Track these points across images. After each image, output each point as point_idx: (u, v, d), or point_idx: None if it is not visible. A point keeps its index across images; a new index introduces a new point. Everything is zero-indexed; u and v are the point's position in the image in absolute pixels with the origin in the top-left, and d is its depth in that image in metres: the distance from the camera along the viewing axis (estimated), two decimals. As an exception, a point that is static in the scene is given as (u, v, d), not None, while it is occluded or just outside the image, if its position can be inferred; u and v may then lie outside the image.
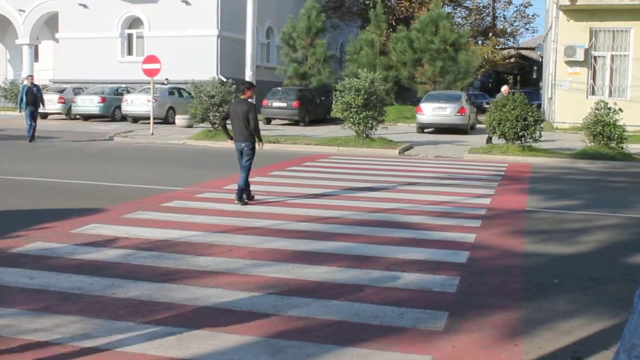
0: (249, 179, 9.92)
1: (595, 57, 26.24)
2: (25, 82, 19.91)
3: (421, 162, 16.26)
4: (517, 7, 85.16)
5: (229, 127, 10.14)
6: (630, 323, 2.82)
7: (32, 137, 18.94)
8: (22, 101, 19.23)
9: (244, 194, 9.71)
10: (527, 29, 59.04)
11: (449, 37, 32.01)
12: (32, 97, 19.16)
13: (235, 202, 9.60)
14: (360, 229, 8.00)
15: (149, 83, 23.67)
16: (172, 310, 5.03)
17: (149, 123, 23.04)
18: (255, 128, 9.76)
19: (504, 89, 20.65)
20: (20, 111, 19.67)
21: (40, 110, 20.15)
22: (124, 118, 28.79)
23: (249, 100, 9.98)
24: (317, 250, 6.92)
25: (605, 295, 5.69)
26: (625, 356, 2.72)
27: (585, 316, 5.13)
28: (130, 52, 35.40)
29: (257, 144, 9.89)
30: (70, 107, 29.97)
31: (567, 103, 26.13)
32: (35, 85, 19.70)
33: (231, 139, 10.11)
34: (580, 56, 25.64)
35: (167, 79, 29.33)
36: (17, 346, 4.29)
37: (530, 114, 16.91)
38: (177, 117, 26.93)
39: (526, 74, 57.26)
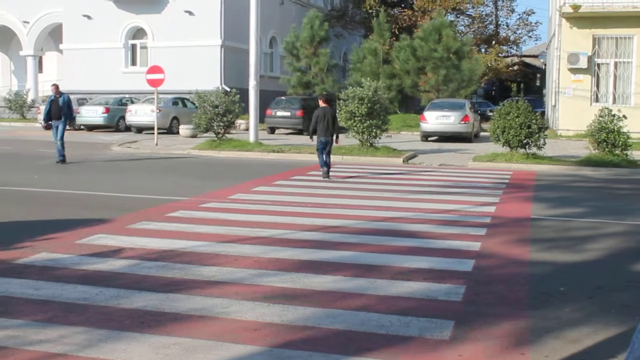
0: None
1: (598, 64, 26.26)
2: (51, 93, 16.97)
3: (425, 170, 16.26)
4: (520, 15, 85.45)
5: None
6: (638, 331, 2.80)
7: (62, 158, 16.32)
8: (46, 114, 16.71)
9: (329, 171, 13.81)
10: (530, 37, 58.93)
11: (452, 45, 32.08)
12: (56, 110, 16.49)
13: (324, 178, 13.60)
14: (365, 238, 8.00)
15: (153, 93, 23.74)
16: (178, 320, 5.02)
17: (153, 133, 23.08)
18: (337, 127, 13.90)
19: None
20: (44, 125, 16.91)
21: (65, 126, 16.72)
22: (128, 128, 28.89)
23: (332, 106, 14.30)
24: (322, 259, 6.91)
25: (612, 303, 5.67)
26: (634, 364, 2.70)
27: (592, 324, 5.11)
28: (134, 63, 35.57)
29: (334, 139, 13.96)
30: (74, 117, 30.03)
31: (570, 110, 26.12)
32: (62, 95, 16.73)
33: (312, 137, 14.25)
34: (583, 63, 25.65)
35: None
36: (22, 358, 4.28)
37: (534, 121, 16.91)
38: (181, 127, 27.01)
39: (530, 81, 57.26)
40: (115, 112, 29.48)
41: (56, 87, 17.14)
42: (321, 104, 14.05)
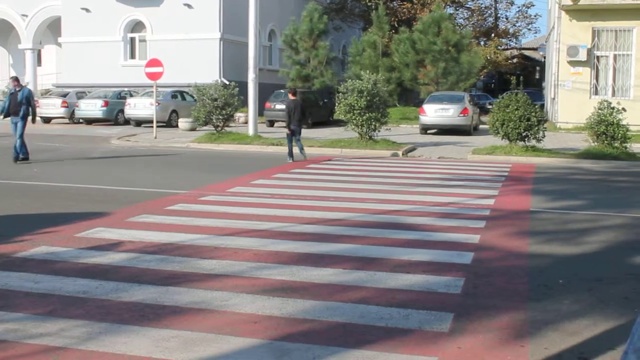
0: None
1: (598, 57, 26.22)
2: (10, 86, 15.28)
3: (424, 163, 16.25)
4: (519, 7, 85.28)
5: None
6: (638, 323, 2.80)
7: (17, 156, 15.01)
8: (5, 109, 15.22)
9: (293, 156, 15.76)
10: (529, 30, 58.98)
11: (451, 38, 32.02)
12: (14, 105, 15.01)
13: (289, 161, 15.57)
14: (364, 230, 8.00)
15: (152, 86, 23.70)
16: (178, 313, 5.03)
17: (152, 126, 23.06)
18: (307, 115, 15.25)
19: None
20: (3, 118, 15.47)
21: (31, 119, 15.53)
22: (127, 122, 28.86)
23: (298, 98, 16.24)
24: (321, 252, 6.92)
25: (611, 296, 5.67)
26: (634, 356, 2.70)
27: (591, 316, 5.11)
28: (132, 56, 35.50)
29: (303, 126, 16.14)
30: (73, 111, 30.06)
31: (570, 103, 26.11)
32: (22, 88, 15.20)
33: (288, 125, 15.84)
34: (582, 56, 25.61)
35: None
36: (22, 351, 4.28)
37: (533, 114, 16.91)
38: (180, 120, 26.99)
39: (529, 74, 57.18)
40: (114, 106, 29.44)
41: (15, 80, 15.60)
42: (290, 96, 16.11)
